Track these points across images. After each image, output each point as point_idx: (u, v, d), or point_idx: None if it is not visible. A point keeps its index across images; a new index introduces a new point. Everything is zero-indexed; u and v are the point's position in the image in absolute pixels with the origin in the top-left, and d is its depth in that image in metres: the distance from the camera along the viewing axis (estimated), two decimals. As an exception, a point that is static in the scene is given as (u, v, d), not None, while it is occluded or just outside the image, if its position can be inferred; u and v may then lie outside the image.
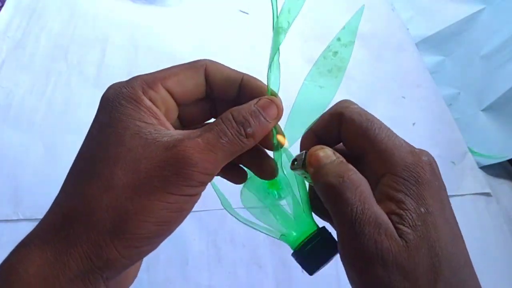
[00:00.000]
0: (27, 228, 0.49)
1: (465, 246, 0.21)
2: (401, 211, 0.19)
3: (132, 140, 0.19)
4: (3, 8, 0.70)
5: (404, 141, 0.22)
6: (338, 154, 0.22)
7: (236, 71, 0.24)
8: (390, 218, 0.20)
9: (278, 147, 0.25)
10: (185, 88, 0.22)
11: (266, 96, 0.22)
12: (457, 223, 0.21)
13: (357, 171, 0.21)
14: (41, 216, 0.51)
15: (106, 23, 0.71)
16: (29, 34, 0.67)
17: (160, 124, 0.20)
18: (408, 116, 0.66)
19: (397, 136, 0.22)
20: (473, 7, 0.73)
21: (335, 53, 0.23)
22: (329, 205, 0.21)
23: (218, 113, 0.26)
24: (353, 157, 0.23)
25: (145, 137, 0.19)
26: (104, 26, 0.70)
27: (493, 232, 0.54)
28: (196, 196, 0.20)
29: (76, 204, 0.19)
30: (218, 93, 0.24)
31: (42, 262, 0.18)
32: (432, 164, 0.21)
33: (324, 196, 0.21)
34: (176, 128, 0.23)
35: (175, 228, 0.20)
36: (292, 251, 0.25)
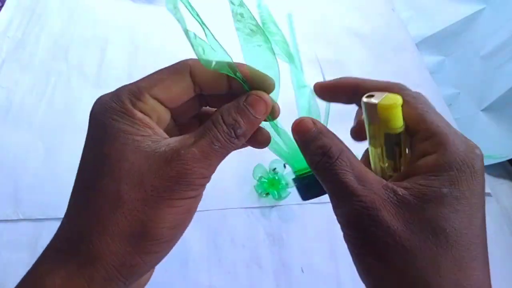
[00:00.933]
0: (27, 228, 0.49)
1: (482, 240, 0.20)
2: (452, 215, 0.19)
3: (133, 155, 0.20)
4: (3, 8, 0.70)
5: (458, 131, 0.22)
6: (321, 123, 0.23)
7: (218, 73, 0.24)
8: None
9: (271, 118, 0.25)
10: (173, 93, 0.22)
11: (254, 92, 0.23)
12: (483, 221, 0.20)
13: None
14: (41, 216, 0.51)
15: (106, 23, 0.71)
16: (29, 34, 0.67)
17: (155, 134, 0.21)
18: (408, 116, 0.66)
19: (450, 125, 0.22)
20: (473, 7, 0.74)
21: (241, 15, 0.23)
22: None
23: (209, 105, 0.26)
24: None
25: (144, 150, 0.20)
26: (104, 26, 0.70)
27: (493, 232, 0.54)
28: (198, 196, 0.21)
29: (90, 221, 0.20)
30: (208, 91, 0.24)
31: (66, 274, 0.19)
32: (482, 159, 0.20)
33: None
34: (170, 127, 0.24)
35: (186, 228, 0.22)
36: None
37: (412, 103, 0.22)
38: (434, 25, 0.78)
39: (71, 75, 0.63)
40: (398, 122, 0.21)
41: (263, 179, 0.52)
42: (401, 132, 0.21)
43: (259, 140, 0.24)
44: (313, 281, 0.47)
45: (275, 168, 0.52)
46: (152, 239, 0.20)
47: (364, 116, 0.22)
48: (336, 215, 0.21)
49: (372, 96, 0.21)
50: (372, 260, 0.20)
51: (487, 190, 0.58)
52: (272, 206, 0.52)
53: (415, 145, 0.21)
